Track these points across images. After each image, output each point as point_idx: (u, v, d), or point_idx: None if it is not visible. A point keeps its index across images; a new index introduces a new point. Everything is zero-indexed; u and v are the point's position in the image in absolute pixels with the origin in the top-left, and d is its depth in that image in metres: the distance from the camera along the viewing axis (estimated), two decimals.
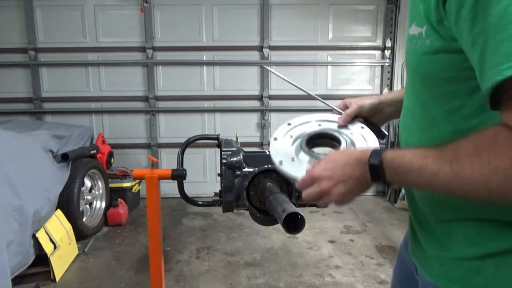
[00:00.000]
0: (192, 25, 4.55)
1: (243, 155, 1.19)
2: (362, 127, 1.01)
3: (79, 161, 3.40)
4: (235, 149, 1.21)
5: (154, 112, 4.68)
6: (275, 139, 0.99)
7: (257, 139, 4.77)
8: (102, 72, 4.61)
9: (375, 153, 0.74)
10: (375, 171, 0.73)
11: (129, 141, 4.72)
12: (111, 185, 3.95)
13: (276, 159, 0.92)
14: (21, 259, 2.46)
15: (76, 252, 3.13)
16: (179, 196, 1.43)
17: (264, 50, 4.57)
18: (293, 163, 0.90)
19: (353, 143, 0.96)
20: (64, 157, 3.15)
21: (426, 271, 0.83)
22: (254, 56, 4.64)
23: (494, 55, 0.56)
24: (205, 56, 4.62)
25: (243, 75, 4.66)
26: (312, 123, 1.04)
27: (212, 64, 4.64)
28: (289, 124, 1.04)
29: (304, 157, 0.91)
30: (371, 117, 1.06)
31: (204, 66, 4.64)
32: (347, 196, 0.78)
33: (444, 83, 0.71)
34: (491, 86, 0.56)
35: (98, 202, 3.77)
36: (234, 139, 1.37)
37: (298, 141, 0.96)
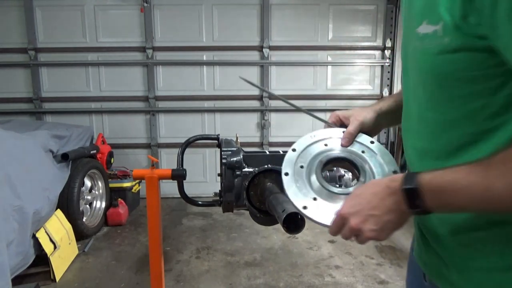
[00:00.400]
0: (192, 25, 4.55)
1: (243, 155, 1.18)
2: (372, 142, 0.95)
3: (79, 161, 3.40)
4: (235, 149, 1.21)
5: (154, 112, 4.68)
6: (286, 174, 0.89)
7: (257, 139, 4.77)
8: (102, 72, 4.61)
9: (408, 177, 0.67)
10: (413, 196, 0.66)
11: (129, 141, 4.72)
12: (111, 185, 3.95)
13: (298, 204, 0.83)
14: (21, 259, 2.45)
15: (76, 252, 3.13)
16: (179, 196, 1.42)
17: (264, 50, 4.57)
18: (318, 204, 0.83)
19: (370, 166, 0.90)
20: (64, 157, 3.15)
21: (440, 280, 0.79)
22: (254, 56, 4.64)
23: None
24: (205, 56, 4.62)
25: (243, 75, 4.64)
26: (318, 143, 0.96)
27: (212, 64, 4.64)
28: (294, 150, 0.94)
29: (326, 194, 0.85)
30: (368, 132, 1.00)
31: (204, 66, 4.64)
32: (381, 232, 0.71)
33: (464, 83, 0.67)
34: None
35: (98, 202, 3.76)
36: (234, 139, 1.37)
37: (313, 175, 0.89)
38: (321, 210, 0.82)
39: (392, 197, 0.69)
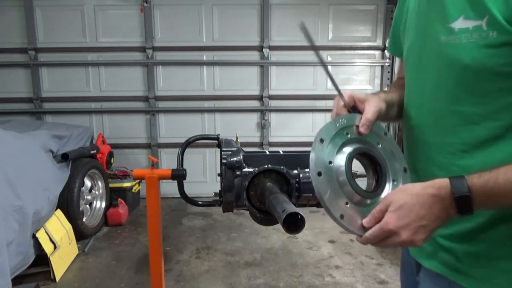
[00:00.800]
0: (192, 25, 4.55)
1: (243, 155, 1.18)
2: (386, 133, 0.90)
3: (79, 161, 3.40)
4: (235, 149, 1.21)
5: (154, 112, 4.68)
6: (319, 174, 0.77)
7: (257, 139, 4.77)
8: (102, 72, 4.61)
9: (457, 183, 0.66)
10: (465, 202, 0.65)
11: (129, 141, 4.72)
12: (111, 185, 3.95)
13: (335, 212, 0.75)
14: (21, 259, 2.46)
15: (76, 252, 3.13)
16: (179, 196, 1.42)
17: (264, 50, 4.57)
18: (350, 210, 0.77)
19: (387, 168, 0.85)
20: (64, 157, 3.15)
21: (451, 273, 0.80)
22: (254, 56, 4.64)
23: None
24: (205, 56, 4.62)
25: (243, 75, 4.66)
26: (341, 132, 0.85)
27: (212, 64, 4.64)
28: (322, 140, 0.81)
29: (357, 199, 0.78)
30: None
31: (204, 66, 4.64)
32: (428, 238, 0.71)
33: (503, 77, 0.67)
34: None
35: (98, 202, 3.77)
36: (234, 139, 1.37)
37: (344, 176, 0.79)
38: (353, 218, 0.76)
39: (440, 204, 0.68)
